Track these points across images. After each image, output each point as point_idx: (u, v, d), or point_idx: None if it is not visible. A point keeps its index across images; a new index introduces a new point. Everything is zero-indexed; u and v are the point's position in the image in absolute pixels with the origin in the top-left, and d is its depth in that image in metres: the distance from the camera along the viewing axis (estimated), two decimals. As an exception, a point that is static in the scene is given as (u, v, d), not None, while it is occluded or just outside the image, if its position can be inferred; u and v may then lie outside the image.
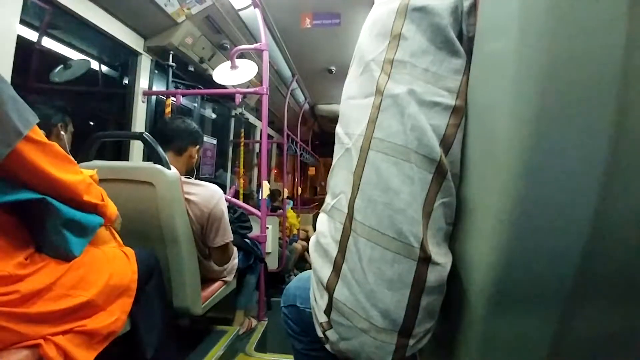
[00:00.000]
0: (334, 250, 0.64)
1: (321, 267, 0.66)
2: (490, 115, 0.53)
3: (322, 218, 0.72)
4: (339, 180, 0.68)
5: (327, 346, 0.66)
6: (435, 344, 0.62)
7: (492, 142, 0.51)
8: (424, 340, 0.61)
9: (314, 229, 4.86)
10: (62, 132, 1.23)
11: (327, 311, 0.64)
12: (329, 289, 0.63)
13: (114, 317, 0.90)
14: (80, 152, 1.39)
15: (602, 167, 0.43)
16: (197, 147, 1.60)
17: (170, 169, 1.28)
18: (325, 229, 0.68)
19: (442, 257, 0.59)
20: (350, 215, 0.62)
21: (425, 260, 0.57)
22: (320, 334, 0.67)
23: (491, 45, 0.55)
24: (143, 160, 2.16)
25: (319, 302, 0.67)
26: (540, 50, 0.44)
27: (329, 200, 0.71)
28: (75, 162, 0.86)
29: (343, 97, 0.74)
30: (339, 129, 0.72)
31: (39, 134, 0.74)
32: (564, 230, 0.46)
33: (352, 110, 0.69)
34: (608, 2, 0.42)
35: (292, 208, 4.62)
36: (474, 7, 0.62)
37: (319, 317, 0.67)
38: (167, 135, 1.49)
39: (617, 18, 0.42)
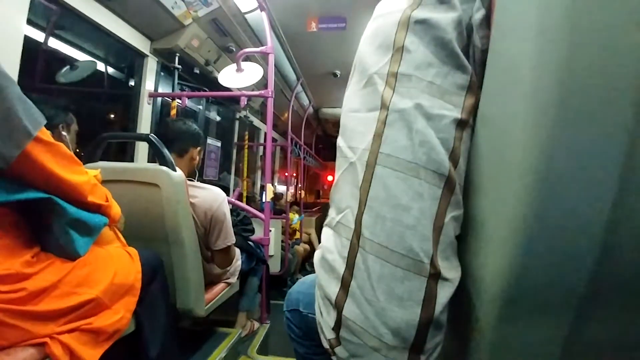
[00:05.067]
0: (341, 267, 0.63)
1: (328, 283, 0.65)
2: (504, 123, 0.53)
3: (327, 233, 0.70)
4: (344, 194, 0.67)
5: None
6: (442, 356, 0.61)
7: (506, 151, 0.51)
8: (435, 354, 0.60)
9: (317, 232, 4.88)
10: (64, 133, 1.23)
11: (336, 328, 0.63)
12: (338, 306, 0.62)
13: (119, 315, 0.90)
14: (86, 152, 1.40)
15: (617, 173, 0.43)
16: (199, 148, 1.60)
17: (175, 170, 1.28)
18: (332, 244, 0.67)
19: (451, 271, 0.59)
20: (357, 232, 0.61)
21: (435, 276, 0.57)
22: (326, 346, 0.66)
23: (507, 53, 0.54)
24: (147, 162, 2.17)
25: (325, 318, 0.65)
26: (558, 57, 0.44)
27: (333, 214, 0.69)
28: (81, 162, 0.86)
29: (344, 109, 0.73)
30: (341, 142, 0.71)
31: (47, 134, 0.74)
32: (578, 236, 0.46)
33: (355, 123, 0.68)
34: (624, 8, 0.42)
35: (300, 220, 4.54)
36: (486, 19, 0.61)
37: (326, 333, 0.65)
38: (168, 137, 1.49)
39: (633, 23, 0.41)
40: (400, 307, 0.57)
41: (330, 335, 0.64)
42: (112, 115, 2.52)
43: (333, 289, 0.63)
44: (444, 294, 0.57)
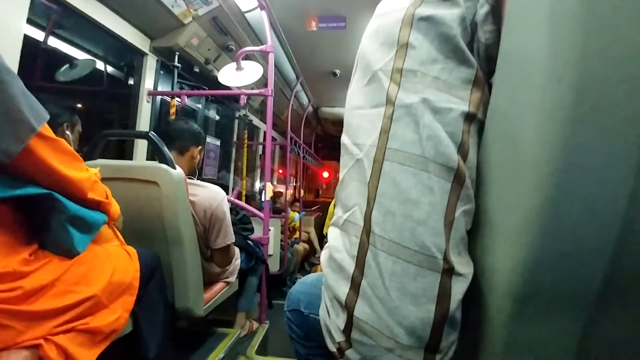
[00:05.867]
0: (350, 266, 0.61)
1: (337, 284, 0.63)
2: (517, 116, 0.52)
3: (334, 232, 0.69)
4: (351, 192, 0.66)
5: None
6: (454, 355, 0.60)
7: (519, 144, 0.50)
8: (450, 353, 0.59)
9: (316, 231, 4.88)
10: (68, 132, 1.22)
11: (347, 331, 0.61)
12: (348, 307, 0.60)
13: (116, 315, 0.89)
14: (85, 150, 1.39)
15: (633, 166, 0.42)
16: (199, 147, 1.61)
17: (175, 168, 1.28)
18: (339, 243, 0.65)
19: (464, 266, 0.58)
20: (367, 229, 0.60)
21: (449, 271, 0.56)
22: (332, 349, 0.65)
23: (520, 45, 0.53)
24: (147, 160, 2.16)
25: (334, 320, 0.64)
26: (572, 44, 0.43)
27: (340, 213, 0.68)
28: (82, 159, 0.86)
29: (348, 106, 0.72)
30: (345, 140, 0.70)
31: (48, 130, 0.74)
32: (593, 231, 0.45)
33: (360, 120, 0.67)
34: None
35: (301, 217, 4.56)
36: (490, 15, 0.61)
37: (335, 336, 0.64)
38: (169, 136, 1.50)
39: None
40: (414, 304, 0.56)
41: (340, 337, 0.62)
42: (111, 114, 2.51)
43: (343, 290, 0.62)
44: (459, 289, 0.56)
